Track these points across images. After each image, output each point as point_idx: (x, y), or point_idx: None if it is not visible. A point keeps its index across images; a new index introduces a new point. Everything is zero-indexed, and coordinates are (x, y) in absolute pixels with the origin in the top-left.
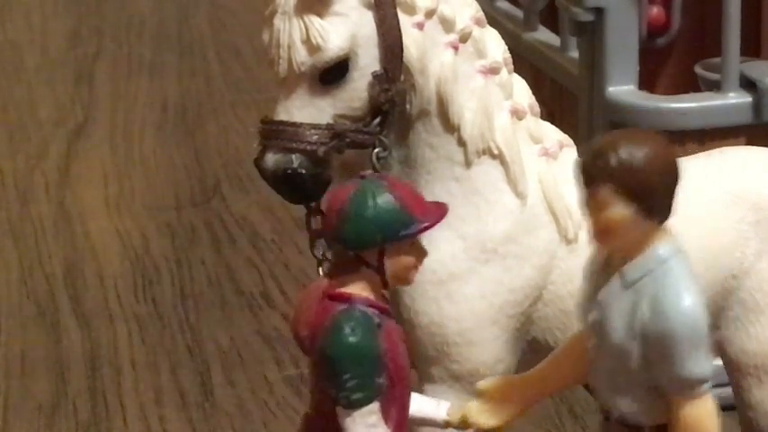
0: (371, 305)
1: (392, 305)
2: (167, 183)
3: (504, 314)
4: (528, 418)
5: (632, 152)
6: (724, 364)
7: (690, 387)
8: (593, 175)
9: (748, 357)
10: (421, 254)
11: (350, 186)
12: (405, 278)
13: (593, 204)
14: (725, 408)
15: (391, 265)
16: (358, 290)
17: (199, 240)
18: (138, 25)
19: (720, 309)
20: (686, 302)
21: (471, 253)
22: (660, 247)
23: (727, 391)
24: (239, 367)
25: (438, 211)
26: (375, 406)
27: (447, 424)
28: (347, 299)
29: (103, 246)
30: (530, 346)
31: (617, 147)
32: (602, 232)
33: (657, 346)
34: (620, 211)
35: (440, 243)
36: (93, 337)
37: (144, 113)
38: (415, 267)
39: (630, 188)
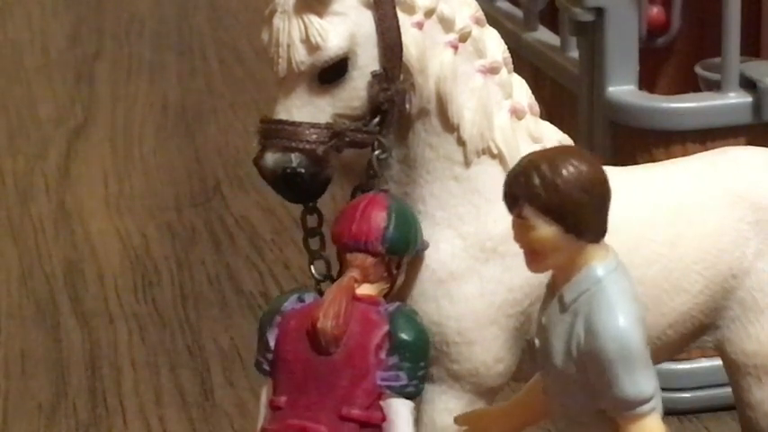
0: None
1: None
2: (167, 183)
3: (503, 313)
4: None
5: (553, 171)
6: (724, 363)
7: (629, 407)
8: (515, 195)
9: (748, 357)
10: None
11: (384, 197)
12: None
13: (518, 226)
14: (725, 408)
15: None
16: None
17: (199, 240)
18: (138, 25)
19: (720, 308)
20: (618, 322)
21: (471, 252)
22: (597, 266)
23: (727, 391)
24: (239, 367)
25: None
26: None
27: None
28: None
29: (103, 246)
30: (529, 346)
31: (538, 165)
32: (529, 254)
33: (592, 368)
34: (543, 231)
35: (439, 242)
36: (93, 337)
37: (144, 113)
38: None
39: (552, 207)
